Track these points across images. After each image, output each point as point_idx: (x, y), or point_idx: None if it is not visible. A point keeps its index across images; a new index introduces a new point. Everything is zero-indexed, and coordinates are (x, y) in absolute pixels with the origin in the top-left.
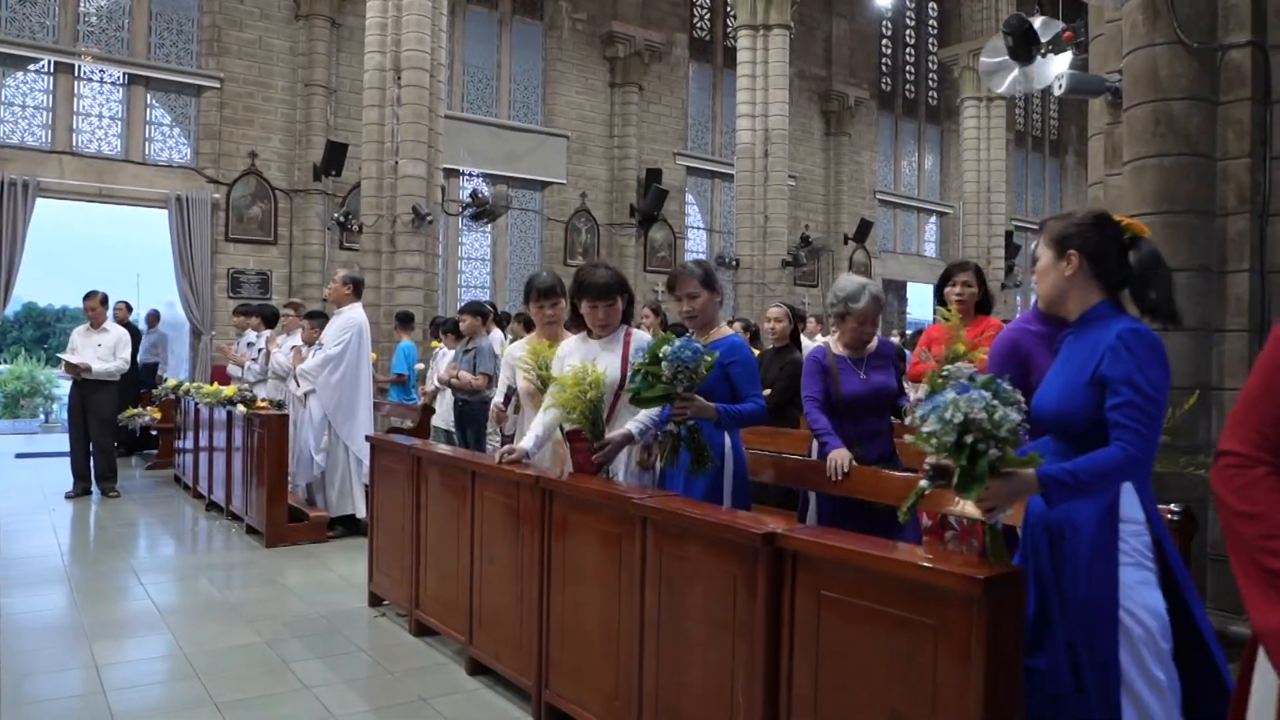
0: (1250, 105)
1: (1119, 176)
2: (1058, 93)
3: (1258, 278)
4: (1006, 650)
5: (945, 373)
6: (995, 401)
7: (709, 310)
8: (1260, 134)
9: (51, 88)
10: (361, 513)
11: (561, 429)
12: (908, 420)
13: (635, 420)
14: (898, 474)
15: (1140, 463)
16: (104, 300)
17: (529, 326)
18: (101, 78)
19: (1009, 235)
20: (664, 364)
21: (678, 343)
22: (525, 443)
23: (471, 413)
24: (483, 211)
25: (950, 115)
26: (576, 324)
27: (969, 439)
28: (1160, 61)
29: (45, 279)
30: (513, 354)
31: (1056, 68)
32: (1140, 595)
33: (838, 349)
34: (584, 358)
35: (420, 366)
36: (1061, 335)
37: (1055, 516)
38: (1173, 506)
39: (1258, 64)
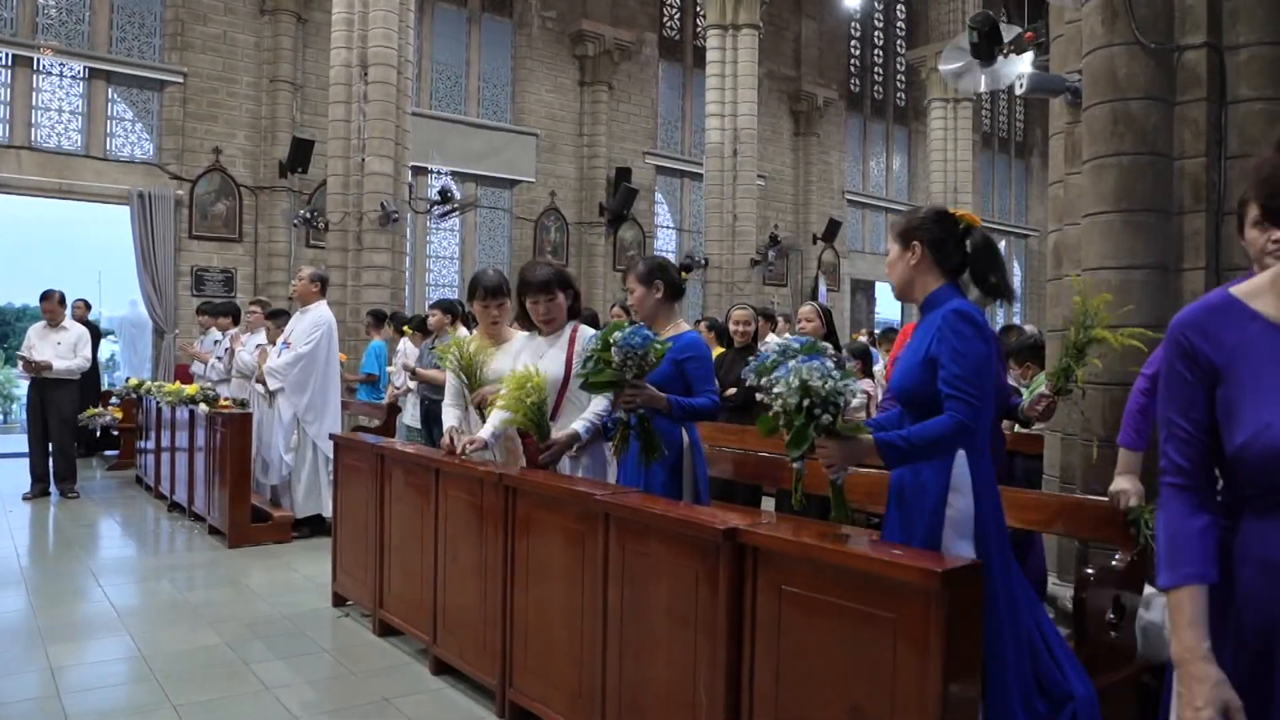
0: (1206, 105)
1: (1079, 175)
2: (1019, 92)
3: (1213, 275)
4: (965, 643)
5: (778, 348)
6: (835, 372)
7: (646, 305)
8: (1215, 134)
9: (9, 81)
10: (329, 512)
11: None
12: (759, 382)
13: (581, 419)
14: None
15: (968, 430)
16: (61, 300)
17: None
18: (61, 71)
19: None
20: (613, 349)
21: (628, 329)
22: (484, 432)
23: (438, 412)
24: (450, 210)
25: (918, 116)
26: (525, 322)
27: (805, 403)
28: (1118, 62)
29: (4, 277)
30: (450, 359)
31: (1018, 68)
32: (953, 550)
33: None
34: (533, 355)
35: (392, 369)
36: (916, 324)
37: (908, 478)
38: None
39: (1213, 65)
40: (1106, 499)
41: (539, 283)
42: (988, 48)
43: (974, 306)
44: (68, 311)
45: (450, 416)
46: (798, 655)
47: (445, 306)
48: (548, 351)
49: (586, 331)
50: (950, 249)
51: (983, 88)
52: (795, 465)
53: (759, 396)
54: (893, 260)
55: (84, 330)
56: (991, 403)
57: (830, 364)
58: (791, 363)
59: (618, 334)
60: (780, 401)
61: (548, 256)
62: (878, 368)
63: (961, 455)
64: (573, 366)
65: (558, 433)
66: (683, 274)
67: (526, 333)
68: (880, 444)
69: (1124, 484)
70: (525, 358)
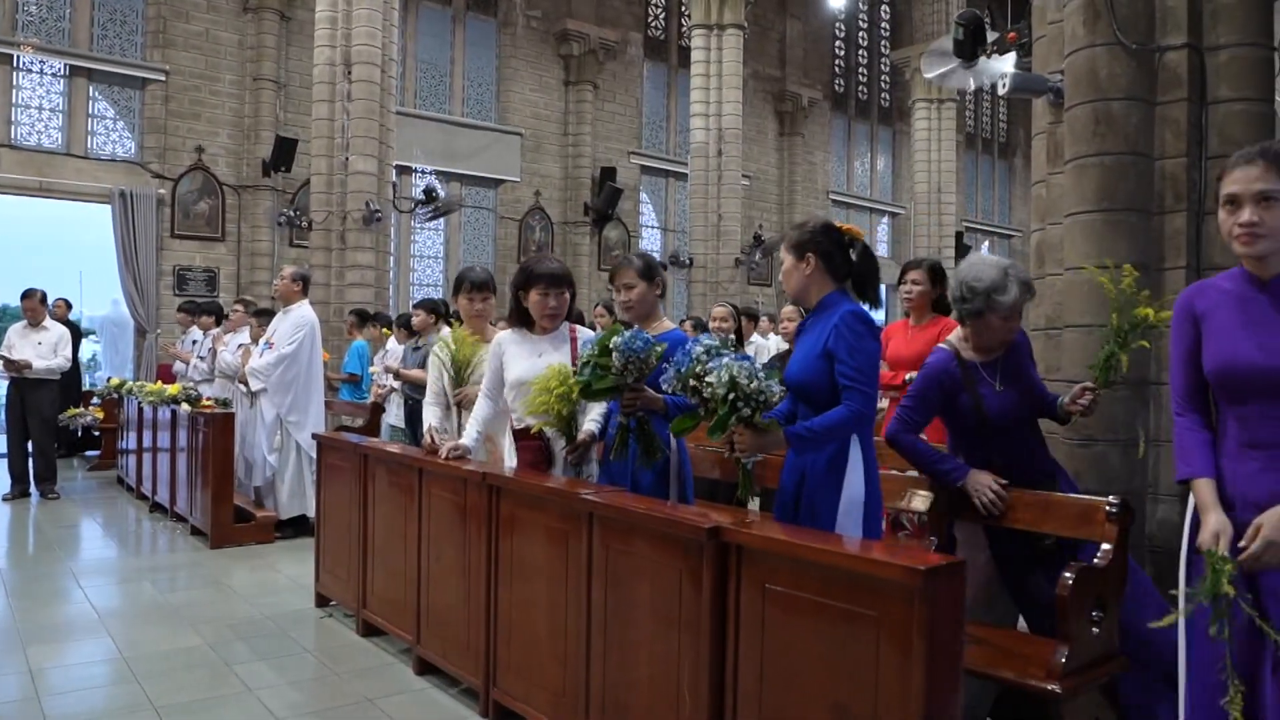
0: (1186, 105)
1: (1061, 175)
2: (1002, 92)
3: (1194, 274)
4: (947, 640)
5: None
6: (761, 373)
7: (646, 302)
8: (1196, 134)
9: None
10: (313, 513)
11: (512, 429)
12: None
13: (591, 420)
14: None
15: (864, 418)
16: (43, 299)
17: None
18: (42, 69)
19: (959, 236)
20: (614, 354)
21: (627, 333)
22: (467, 438)
23: (422, 411)
24: (434, 210)
25: (902, 117)
26: (518, 318)
27: (731, 395)
28: (1100, 62)
29: None
30: (439, 354)
31: (1000, 67)
32: (846, 525)
33: (968, 353)
34: (528, 353)
35: (374, 370)
36: (802, 321)
37: (810, 458)
38: (1110, 498)
39: (1193, 65)
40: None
41: (554, 275)
42: (972, 46)
43: (865, 310)
44: (49, 310)
45: (431, 415)
46: (781, 653)
47: (430, 306)
48: (547, 351)
49: (586, 333)
50: (839, 259)
51: (970, 86)
52: (746, 464)
53: (689, 384)
54: (788, 270)
55: (64, 330)
56: (876, 393)
57: (759, 366)
58: (725, 359)
59: (617, 339)
60: (710, 390)
61: (533, 254)
62: None
63: (855, 440)
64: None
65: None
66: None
67: (512, 331)
68: (788, 434)
69: (1217, 519)
70: (517, 355)
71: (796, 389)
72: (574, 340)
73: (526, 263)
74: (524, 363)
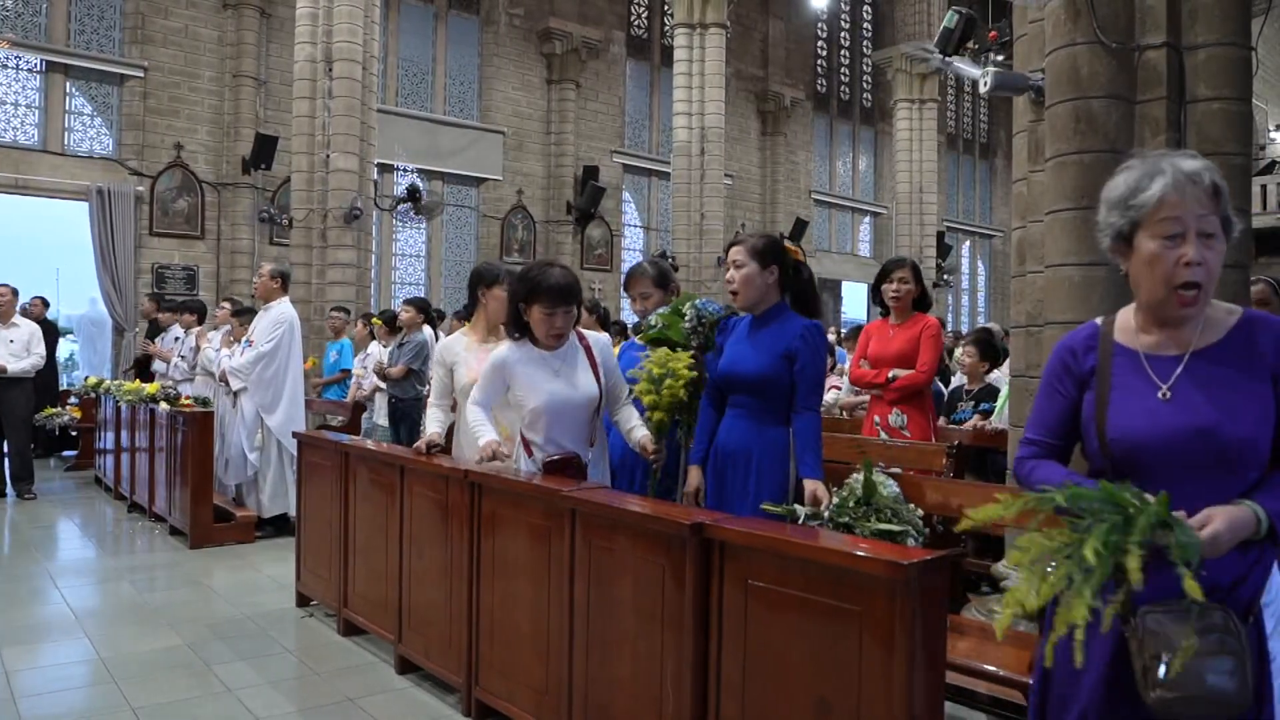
0: (1165, 104)
1: (1042, 173)
2: (984, 91)
3: None
4: (930, 636)
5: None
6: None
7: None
8: (1174, 132)
9: None
10: (294, 511)
11: (541, 462)
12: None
13: (639, 426)
14: None
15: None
16: (15, 293)
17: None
18: (18, 64)
19: (940, 236)
20: (689, 310)
21: (704, 299)
22: (432, 426)
23: (404, 410)
24: (418, 209)
25: (884, 117)
26: (517, 329)
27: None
28: (1080, 60)
29: None
30: (451, 349)
31: (978, 68)
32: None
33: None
34: (543, 371)
35: (359, 372)
36: (743, 321)
37: (738, 446)
38: None
39: (1172, 64)
40: None
41: (562, 289)
42: (960, 39)
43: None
44: (22, 304)
45: (434, 420)
46: (764, 649)
47: (417, 304)
48: (563, 368)
49: (591, 335)
50: (790, 274)
51: (952, 71)
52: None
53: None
54: (751, 275)
55: (36, 328)
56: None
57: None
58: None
59: (694, 301)
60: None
61: (515, 255)
62: (844, 366)
63: (790, 429)
64: (601, 377)
65: (591, 450)
66: None
67: (513, 346)
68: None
69: None
70: (533, 379)
71: (753, 382)
72: (587, 349)
73: (530, 271)
74: (546, 386)
